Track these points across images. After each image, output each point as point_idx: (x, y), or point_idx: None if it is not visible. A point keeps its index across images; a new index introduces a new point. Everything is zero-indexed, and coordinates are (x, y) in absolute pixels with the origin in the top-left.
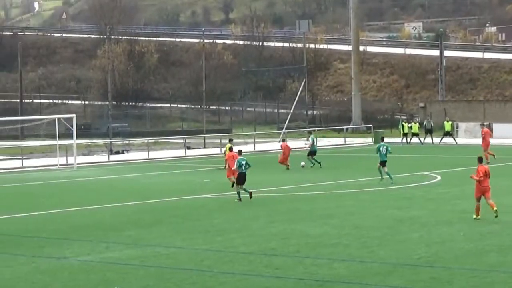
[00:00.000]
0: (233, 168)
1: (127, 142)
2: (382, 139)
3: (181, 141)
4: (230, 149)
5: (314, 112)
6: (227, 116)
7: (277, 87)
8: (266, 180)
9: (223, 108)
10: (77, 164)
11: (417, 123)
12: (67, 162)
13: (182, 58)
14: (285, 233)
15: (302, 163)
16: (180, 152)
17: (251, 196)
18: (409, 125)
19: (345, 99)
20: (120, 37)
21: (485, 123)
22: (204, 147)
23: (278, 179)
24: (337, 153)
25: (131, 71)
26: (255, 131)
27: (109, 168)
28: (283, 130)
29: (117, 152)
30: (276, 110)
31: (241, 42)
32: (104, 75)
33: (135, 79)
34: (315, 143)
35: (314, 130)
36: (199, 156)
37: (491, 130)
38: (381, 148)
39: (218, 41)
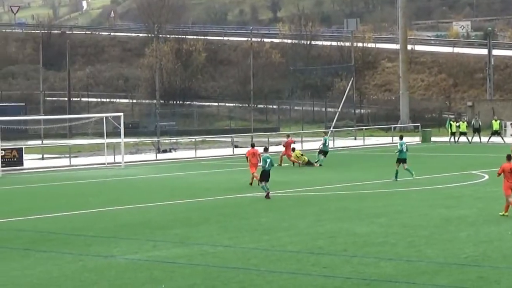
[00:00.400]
0: (259, 164)
1: (174, 140)
2: (401, 138)
3: (229, 139)
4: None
5: (362, 111)
6: (274, 114)
7: (325, 86)
8: (314, 178)
9: (271, 106)
10: (125, 162)
11: (465, 122)
12: (114, 160)
13: (230, 56)
14: (333, 232)
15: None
16: (227, 151)
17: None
18: (457, 124)
19: (393, 98)
20: (168, 36)
21: None
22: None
23: (326, 178)
24: (385, 152)
25: (179, 69)
26: (302, 130)
27: (156, 167)
28: (331, 129)
29: (164, 151)
30: (323, 109)
31: (289, 41)
32: (152, 73)
33: (182, 78)
34: (327, 143)
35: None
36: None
37: None
38: (402, 146)
39: (266, 39)
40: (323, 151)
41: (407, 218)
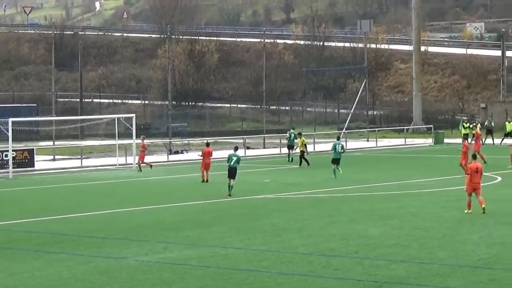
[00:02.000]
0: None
1: (186, 142)
2: (338, 138)
3: (241, 141)
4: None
5: (375, 112)
6: (287, 116)
7: (338, 87)
8: (327, 180)
9: (283, 108)
10: (136, 164)
11: (478, 124)
12: (126, 162)
13: (242, 58)
14: (345, 234)
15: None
16: (239, 152)
17: (229, 195)
18: (470, 125)
19: (406, 100)
20: (181, 37)
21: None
22: (264, 147)
23: (339, 179)
24: (397, 154)
25: (191, 70)
26: (315, 132)
27: (168, 168)
28: (343, 131)
29: (176, 152)
30: (336, 110)
31: (302, 42)
32: (164, 74)
33: (195, 79)
34: (291, 138)
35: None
36: (258, 156)
37: None
38: (336, 147)
39: (279, 41)
40: (289, 146)
41: (420, 220)
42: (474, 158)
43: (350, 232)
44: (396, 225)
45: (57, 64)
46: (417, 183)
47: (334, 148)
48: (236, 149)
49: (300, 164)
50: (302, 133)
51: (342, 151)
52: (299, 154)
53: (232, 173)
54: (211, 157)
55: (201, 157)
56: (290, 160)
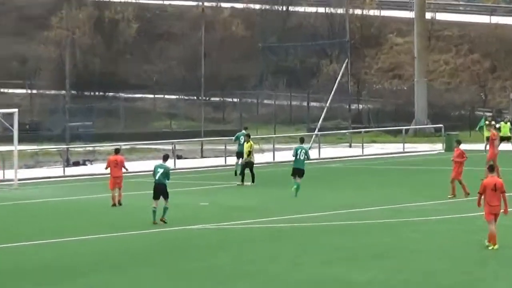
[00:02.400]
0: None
1: (91, 148)
2: (302, 141)
3: (169, 147)
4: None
5: (360, 106)
6: (235, 111)
7: (308, 71)
8: (292, 203)
9: (230, 100)
10: (19, 180)
11: (508, 123)
12: (4, 177)
13: (172, 29)
14: (318, 280)
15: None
16: (167, 163)
17: (164, 221)
18: (497, 125)
19: (405, 88)
20: None
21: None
22: (202, 156)
23: (310, 202)
24: (392, 165)
25: (99, 47)
26: (275, 134)
27: (64, 186)
28: (315, 132)
29: (76, 163)
30: (305, 103)
31: (257, 6)
32: (60, 52)
33: (104, 59)
34: (240, 142)
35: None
36: (194, 169)
37: None
38: (298, 152)
39: (224, 4)
40: (238, 152)
41: (424, 260)
42: (491, 171)
43: (325, 277)
44: (391, 268)
45: None
46: (420, 207)
47: (296, 154)
48: (165, 158)
49: (253, 181)
50: (251, 135)
51: (305, 158)
52: (244, 164)
53: (159, 191)
54: (124, 169)
55: (108, 169)
56: (239, 173)
